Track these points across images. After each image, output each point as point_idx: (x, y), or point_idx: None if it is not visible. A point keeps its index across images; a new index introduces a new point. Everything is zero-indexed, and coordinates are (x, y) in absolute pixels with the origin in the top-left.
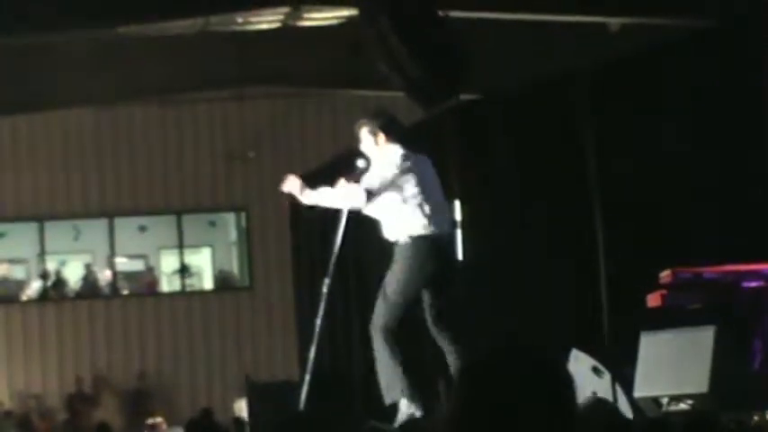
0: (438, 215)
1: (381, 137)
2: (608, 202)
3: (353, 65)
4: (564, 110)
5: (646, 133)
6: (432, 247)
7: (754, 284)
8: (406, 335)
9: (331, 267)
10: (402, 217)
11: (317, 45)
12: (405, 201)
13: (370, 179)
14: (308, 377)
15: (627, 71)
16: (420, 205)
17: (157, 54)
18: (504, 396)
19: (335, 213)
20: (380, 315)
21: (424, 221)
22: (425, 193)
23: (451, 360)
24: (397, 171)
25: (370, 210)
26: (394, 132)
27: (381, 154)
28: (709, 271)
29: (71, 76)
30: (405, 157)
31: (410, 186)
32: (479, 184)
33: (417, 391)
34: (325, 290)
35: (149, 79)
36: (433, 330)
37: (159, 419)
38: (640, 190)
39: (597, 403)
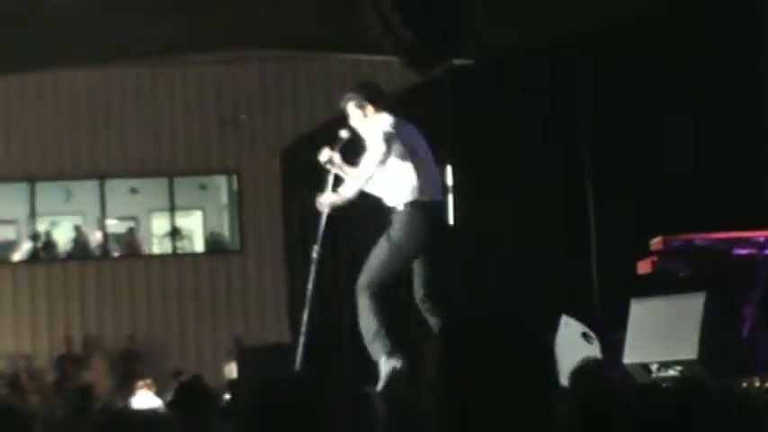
0: (430, 182)
1: (369, 108)
2: (600, 167)
3: (347, 29)
4: (557, 74)
5: (641, 100)
6: (424, 215)
7: (744, 251)
8: (392, 301)
9: (320, 234)
10: (395, 185)
11: (310, 8)
12: (397, 169)
13: (368, 155)
14: (302, 340)
15: (623, 36)
16: (412, 173)
17: (150, 16)
18: (481, 358)
19: (324, 178)
20: (367, 275)
21: (417, 189)
22: (417, 160)
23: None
24: (389, 140)
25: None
26: (381, 102)
27: (371, 126)
28: (700, 238)
29: (63, 38)
30: (395, 126)
31: (402, 154)
32: (471, 150)
33: (399, 348)
34: (315, 256)
35: (142, 41)
36: (420, 298)
37: (148, 381)
38: (633, 155)
39: (583, 370)
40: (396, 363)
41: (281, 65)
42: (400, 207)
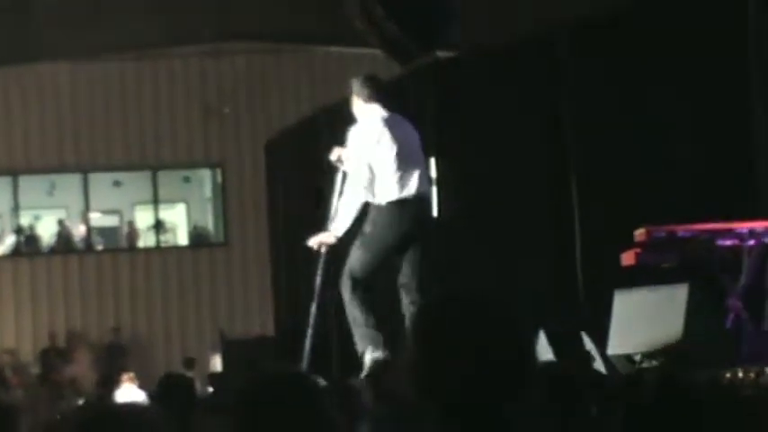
0: (414, 176)
1: (361, 99)
2: (584, 159)
3: (332, 22)
4: (541, 66)
5: (625, 91)
6: (406, 208)
7: (728, 243)
8: (378, 295)
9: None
10: (378, 178)
11: (296, 1)
12: (381, 163)
13: (350, 145)
14: (309, 332)
15: (607, 27)
16: (396, 167)
17: (135, 9)
18: (455, 340)
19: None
20: (346, 270)
21: (400, 183)
22: (402, 154)
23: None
24: (373, 134)
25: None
26: (374, 95)
27: (362, 116)
28: (684, 229)
29: (47, 30)
30: (383, 120)
31: (387, 148)
32: (456, 141)
33: (383, 339)
34: (323, 249)
35: (126, 34)
36: (404, 291)
37: (131, 374)
38: (617, 148)
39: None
40: (378, 354)
41: (266, 58)
42: (382, 200)
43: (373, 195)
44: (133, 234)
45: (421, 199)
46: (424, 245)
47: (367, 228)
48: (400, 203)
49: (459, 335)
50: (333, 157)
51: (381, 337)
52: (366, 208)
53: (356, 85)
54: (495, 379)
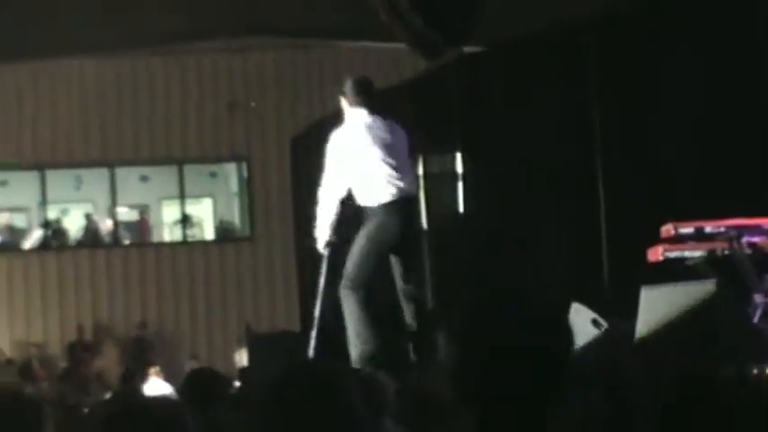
0: (402, 178)
1: (347, 102)
2: (610, 154)
3: (358, 16)
4: (567, 62)
5: (651, 85)
6: (396, 209)
7: (755, 239)
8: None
9: (332, 231)
10: (366, 182)
11: None
12: (367, 167)
13: (328, 148)
14: (313, 333)
15: (633, 22)
16: (383, 169)
17: (162, 4)
18: (500, 340)
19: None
20: (345, 272)
21: (388, 185)
22: (388, 156)
23: (411, 320)
24: (352, 137)
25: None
26: (361, 99)
27: (348, 118)
28: (711, 225)
29: (74, 25)
30: (365, 124)
31: (371, 153)
32: (481, 137)
33: (380, 345)
34: (326, 252)
35: (153, 29)
36: (403, 297)
37: (157, 369)
38: (644, 142)
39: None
40: (366, 347)
41: (292, 53)
42: (366, 203)
43: (365, 197)
44: (144, 227)
45: (408, 200)
46: (413, 246)
47: (361, 230)
48: (390, 205)
49: (500, 336)
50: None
51: (373, 336)
52: (360, 211)
53: (347, 86)
54: (535, 380)
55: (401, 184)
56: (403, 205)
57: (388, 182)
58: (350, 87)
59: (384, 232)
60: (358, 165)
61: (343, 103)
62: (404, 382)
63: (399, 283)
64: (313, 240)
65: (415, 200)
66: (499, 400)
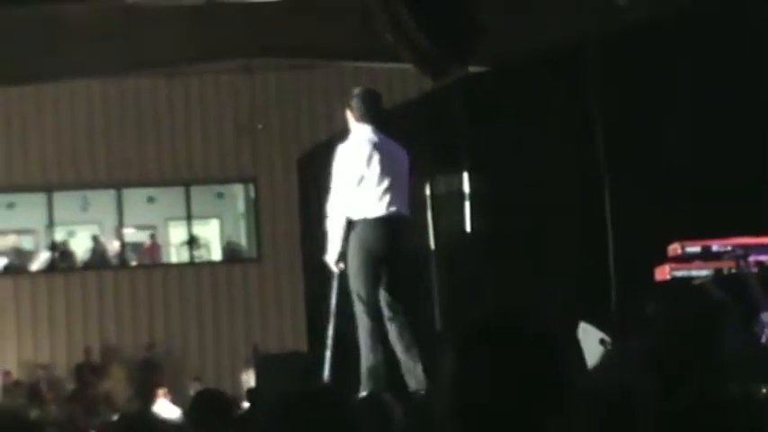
0: (396, 197)
1: (354, 116)
2: (616, 173)
3: (363, 37)
4: (572, 81)
5: (654, 104)
6: (377, 225)
7: (762, 258)
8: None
9: (338, 252)
10: (362, 196)
11: (326, 16)
12: (365, 181)
13: (335, 161)
14: (328, 354)
15: (635, 42)
16: (380, 186)
17: (167, 25)
18: (498, 360)
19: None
20: (351, 287)
21: (382, 201)
22: (386, 175)
23: (395, 341)
24: (355, 153)
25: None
26: (360, 110)
27: (353, 132)
28: (718, 243)
29: (79, 47)
30: (370, 141)
31: (371, 168)
32: (487, 155)
33: (387, 364)
34: (336, 271)
35: (158, 50)
36: (385, 313)
37: (165, 390)
38: (649, 162)
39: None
40: (372, 362)
41: (297, 73)
42: (359, 217)
43: (356, 212)
44: (155, 251)
45: (398, 219)
46: (402, 265)
47: (352, 250)
48: (376, 220)
49: (502, 355)
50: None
51: (381, 354)
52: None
53: (354, 100)
54: (535, 400)
55: (393, 202)
56: (392, 223)
57: (381, 199)
58: (357, 102)
59: (366, 246)
60: (358, 179)
61: (349, 115)
62: (411, 403)
63: (384, 297)
64: (325, 254)
65: (407, 220)
66: (499, 420)
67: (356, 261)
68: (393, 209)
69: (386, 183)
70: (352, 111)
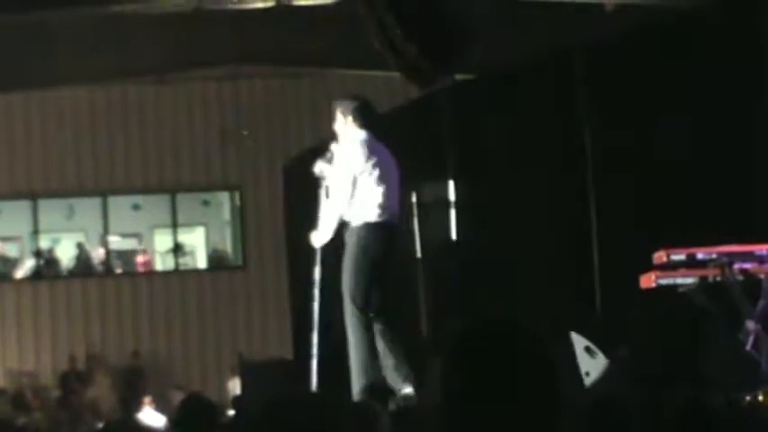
0: (393, 204)
1: (350, 120)
2: (602, 182)
3: (349, 44)
4: (559, 89)
5: (641, 113)
6: (379, 233)
7: (747, 266)
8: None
9: (318, 256)
10: (364, 201)
11: (313, 24)
12: (368, 186)
13: (336, 165)
14: (314, 362)
15: (622, 50)
16: (380, 191)
17: (152, 32)
18: (487, 370)
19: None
20: (347, 294)
21: (382, 207)
22: (385, 181)
23: (382, 348)
24: (356, 158)
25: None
26: (364, 119)
27: (347, 137)
28: (703, 251)
29: (66, 55)
30: (366, 144)
31: (374, 173)
32: (474, 164)
33: (376, 364)
34: (316, 277)
35: (144, 58)
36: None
37: (150, 398)
38: (635, 170)
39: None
40: (365, 382)
41: (283, 81)
42: (358, 224)
43: (357, 216)
44: (146, 264)
45: (392, 226)
46: (392, 275)
47: (349, 255)
48: (382, 225)
49: (490, 364)
50: (316, 170)
51: (374, 365)
52: (347, 233)
53: (354, 106)
54: (527, 409)
55: (389, 208)
56: (390, 229)
57: (378, 204)
58: (359, 109)
59: (369, 251)
60: (361, 183)
61: (345, 122)
62: (401, 412)
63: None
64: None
65: (398, 228)
66: (489, 429)
67: (356, 266)
68: (389, 216)
69: (384, 189)
70: (353, 117)
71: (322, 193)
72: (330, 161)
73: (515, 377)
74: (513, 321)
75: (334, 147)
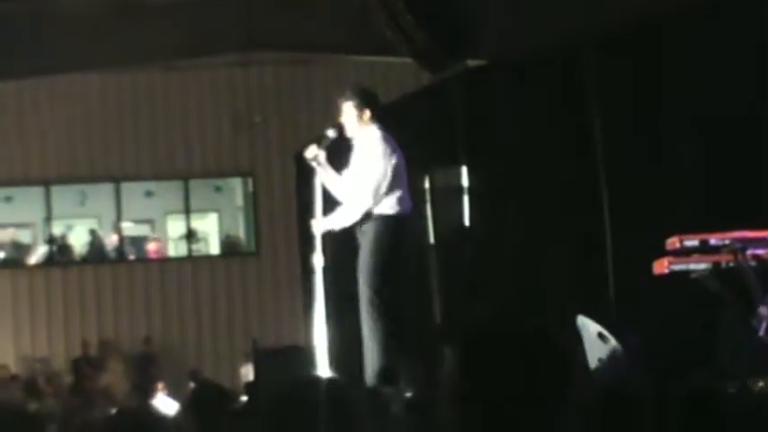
0: (401, 196)
1: (366, 115)
2: (614, 167)
3: (361, 30)
4: (571, 76)
5: (655, 101)
6: (398, 225)
7: (760, 251)
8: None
9: (318, 243)
10: (370, 195)
11: (324, 10)
12: (377, 180)
13: (356, 163)
14: (323, 346)
15: (638, 37)
16: (396, 184)
17: (163, 19)
18: (500, 366)
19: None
20: (361, 292)
21: (395, 201)
22: (398, 173)
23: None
24: (379, 151)
25: (340, 188)
26: (376, 115)
27: (362, 132)
28: (716, 237)
29: (77, 42)
30: (384, 138)
31: (384, 167)
32: (485, 151)
33: (395, 352)
34: (316, 264)
35: (155, 44)
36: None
37: (162, 384)
38: (648, 156)
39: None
40: (388, 364)
41: (296, 67)
42: (373, 217)
43: (379, 208)
44: (159, 251)
45: (403, 218)
46: (401, 264)
47: (365, 247)
48: (393, 219)
49: (504, 351)
50: (308, 155)
51: (392, 349)
52: (362, 227)
53: (367, 100)
54: (538, 393)
55: (405, 200)
56: (403, 220)
57: (398, 197)
58: (366, 102)
59: (392, 243)
60: (383, 174)
61: (365, 116)
62: (414, 398)
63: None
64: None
65: (408, 219)
66: (502, 419)
67: (379, 257)
68: (407, 206)
69: (401, 181)
70: (369, 109)
71: (318, 179)
72: (324, 146)
73: (528, 368)
74: (528, 313)
75: (330, 132)
